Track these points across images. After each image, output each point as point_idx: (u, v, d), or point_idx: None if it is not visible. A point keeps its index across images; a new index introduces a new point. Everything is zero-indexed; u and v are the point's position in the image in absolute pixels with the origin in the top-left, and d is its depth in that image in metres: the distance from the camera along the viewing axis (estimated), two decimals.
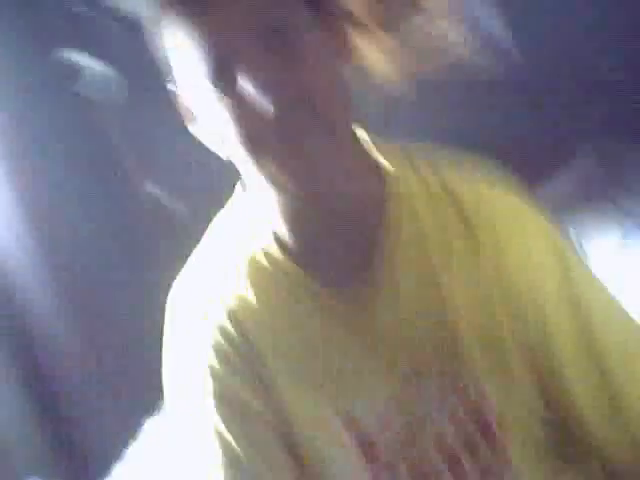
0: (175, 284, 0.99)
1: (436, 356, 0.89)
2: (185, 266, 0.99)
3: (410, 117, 2.06)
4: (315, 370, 0.91)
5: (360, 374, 0.90)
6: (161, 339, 0.99)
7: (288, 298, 0.92)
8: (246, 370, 0.91)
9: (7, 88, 2.13)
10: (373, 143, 0.94)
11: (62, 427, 2.08)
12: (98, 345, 2.14)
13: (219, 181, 0.99)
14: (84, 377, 2.11)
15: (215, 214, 1.02)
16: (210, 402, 0.91)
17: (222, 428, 0.90)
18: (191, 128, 0.91)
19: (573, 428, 0.90)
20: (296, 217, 0.90)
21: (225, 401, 0.91)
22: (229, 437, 0.89)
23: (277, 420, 0.91)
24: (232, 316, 0.92)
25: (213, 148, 0.90)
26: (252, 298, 0.92)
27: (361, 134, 0.94)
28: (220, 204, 1.01)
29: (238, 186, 0.98)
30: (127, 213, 2.31)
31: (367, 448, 0.90)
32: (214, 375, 0.91)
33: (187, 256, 1.00)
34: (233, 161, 0.88)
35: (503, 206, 0.91)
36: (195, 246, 1.01)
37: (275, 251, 0.92)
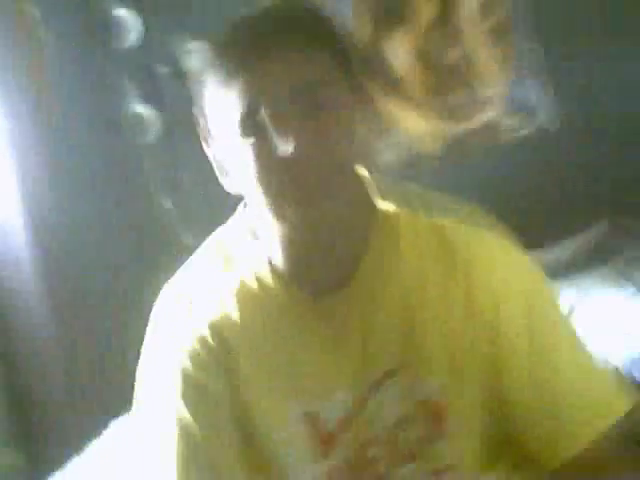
0: (163, 291, 1.06)
1: (400, 365, 0.98)
2: (175, 275, 1.06)
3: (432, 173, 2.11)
4: (288, 377, 1.00)
5: (330, 382, 0.99)
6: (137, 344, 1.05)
7: (273, 317, 1.00)
8: (219, 372, 0.99)
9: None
10: (375, 183, 1.03)
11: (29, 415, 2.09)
12: (75, 345, 2.15)
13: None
14: (57, 374, 2.12)
15: None
16: (177, 397, 0.98)
17: (187, 420, 0.97)
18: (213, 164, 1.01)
19: (508, 430, 1.01)
20: (291, 245, 0.98)
21: (192, 396, 0.98)
22: (193, 428, 0.97)
23: (242, 419, 0.99)
24: (214, 329, 1.00)
25: (225, 184, 1.00)
26: (237, 315, 1.00)
27: (364, 174, 1.03)
28: None
29: (240, 207, 1.06)
30: (129, 227, 2.34)
31: (326, 446, 0.99)
32: (185, 376, 0.99)
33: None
34: (249, 201, 0.98)
35: (482, 241, 1.00)
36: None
37: (266, 275, 1.01)
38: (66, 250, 2.13)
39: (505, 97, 2.16)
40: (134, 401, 1.04)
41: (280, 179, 0.90)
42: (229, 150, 0.95)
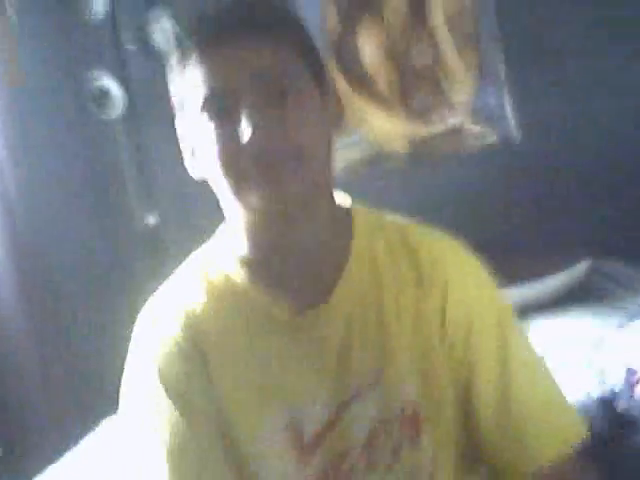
0: (148, 303, 1.10)
1: (375, 378, 1.02)
2: (158, 289, 1.11)
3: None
4: (266, 388, 1.02)
5: (308, 394, 1.02)
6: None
7: (244, 316, 1.04)
8: (194, 375, 1.02)
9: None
10: (352, 206, 1.09)
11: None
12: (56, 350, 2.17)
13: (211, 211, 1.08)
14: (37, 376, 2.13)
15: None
16: (164, 397, 1.01)
17: (175, 418, 1.00)
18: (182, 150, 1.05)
19: (473, 436, 1.06)
20: (261, 241, 1.02)
21: (179, 396, 1.01)
22: (182, 426, 0.99)
23: (218, 419, 1.01)
24: (193, 331, 1.03)
25: (192, 169, 1.04)
26: (209, 314, 1.04)
27: (342, 198, 1.09)
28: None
29: (220, 227, 1.10)
30: (113, 231, 2.36)
31: (304, 457, 1.02)
32: (169, 378, 1.02)
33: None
34: (214, 189, 1.01)
35: (453, 261, 1.07)
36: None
37: (237, 274, 1.04)
38: (31, 226, 2.14)
39: (470, 105, 2.21)
40: (119, 406, 1.07)
41: (243, 162, 0.93)
42: (195, 131, 0.99)
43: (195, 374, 1.02)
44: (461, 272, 1.06)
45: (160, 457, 0.99)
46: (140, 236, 2.30)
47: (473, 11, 2.20)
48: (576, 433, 1.06)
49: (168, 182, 2.22)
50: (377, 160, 2.28)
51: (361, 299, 1.03)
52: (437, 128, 2.23)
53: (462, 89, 2.21)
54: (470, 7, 2.19)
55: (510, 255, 1.95)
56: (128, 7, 2.28)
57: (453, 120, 2.22)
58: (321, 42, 2.24)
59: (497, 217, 2.15)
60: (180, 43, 0.99)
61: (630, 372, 1.39)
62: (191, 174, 1.05)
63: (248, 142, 0.92)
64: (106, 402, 1.31)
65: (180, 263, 1.13)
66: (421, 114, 2.22)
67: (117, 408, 1.08)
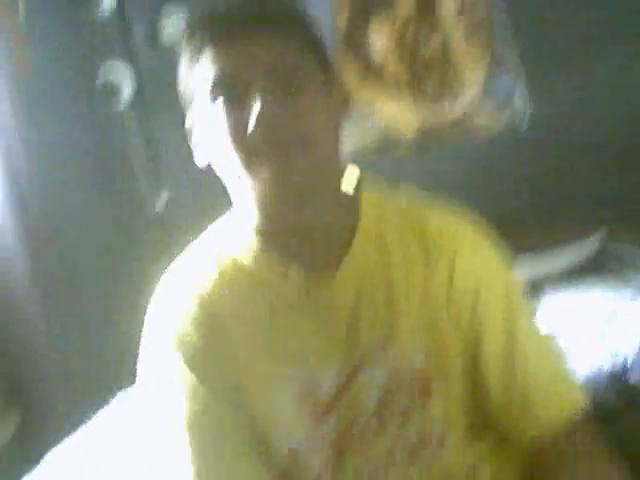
0: (165, 273, 1.13)
1: (386, 340, 1.05)
2: (177, 259, 1.14)
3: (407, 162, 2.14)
4: (276, 348, 1.06)
5: (318, 352, 1.05)
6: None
7: (257, 287, 1.07)
8: (210, 344, 1.05)
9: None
10: (361, 185, 1.12)
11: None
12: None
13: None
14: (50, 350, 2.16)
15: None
16: (182, 363, 1.04)
17: (193, 382, 1.03)
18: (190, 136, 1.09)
19: (481, 404, 1.09)
20: (268, 207, 1.03)
21: (196, 361, 1.04)
22: (200, 390, 1.02)
23: (235, 388, 1.04)
24: (207, 307, 1.07)
25: (199, 155, 1.07)
26: (222, 287, 1.07)
27: (351, 172, 1.11)
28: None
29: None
30: (124, 210, 2.38)
31: (319, 416, 1.05)
32: (187, 342, 1.05)
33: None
34: (220, 172, 1.04)
35: (462, 232, 1.10)
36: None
37: (249, 245, 1.08)
38: (44, 214, 2.17)
39: (480, 93, 2.22)
40: (136, 375, 1.10)
41: (252, 139, 0.97)
42: (203, 120, 1.03)
43: (211, 344, 1.05)
44: (469, 242, 1.10)
45: (179, 425, 1.02)
46: (150, 219, 2.32)
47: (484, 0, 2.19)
48: (578, 401, 1.09)
49: (177, 167, 2.23)
50: (386, 147, 2.29)
51: (369, 275, 1.07)
52: (447, 116, 2.23)
53: (472, 78, 2.21)
54: None
55: (523, 228, 1.95)
56: (140, 2, 2.30)
57: (463, 108, 2.22)
58: (332, 31, 2.26)
59: (508, 193, 2.16)
60: (191, 38, 1.02)
61: None
62: (197, 163, 1.08)
63: (257, 124, 0.96)
64: (122, 376, 1.33)
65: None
66: (431, 102, 2.22)
67: (133, 381, 1.11)
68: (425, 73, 2.22)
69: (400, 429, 1.06)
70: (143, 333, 1.10)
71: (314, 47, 1.03)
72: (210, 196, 1.27)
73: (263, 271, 1.07)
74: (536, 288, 1.83)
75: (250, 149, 0.98)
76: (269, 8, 1.02)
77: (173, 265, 1.13)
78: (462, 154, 2.24)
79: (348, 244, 1.07)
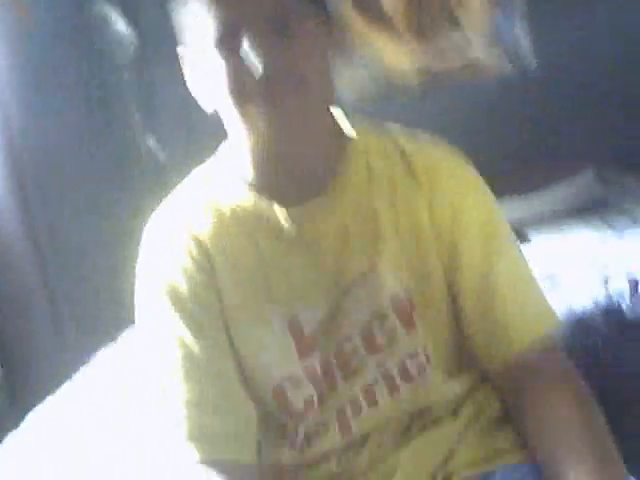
0: (153, 215, 1.14)
1: (370, 268, 1.08)
2: (164, 201, 1.15)
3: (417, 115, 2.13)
4: (268, 284, 1.08)
5: (304, 285, 1.08)
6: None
7: (246, 222, 1.09)
8: (207, 283, 1.07)
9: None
10: (346, 116, 1.14)
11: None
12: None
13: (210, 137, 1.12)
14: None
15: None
16: (173, 312, 1.06)
17: (184, 332, 1.05)
18: (189, 84, 1.09)
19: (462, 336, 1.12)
20: (263, 157, 1.06)
21: (187, 309, 1.06)
22: (191, 340, 1.04)
23: (222, 327, 1.07)
24: (197, 243, 1.08)
25: (202, 102, 1.08)
26: (217, 229, 1.09)
27: (336, 111, 1.13)
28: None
29: (222, 144, 1.14)
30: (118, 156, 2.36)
31: (307, 347, 1.07)
32: (178, 291, 1.06)
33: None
34: (219, 112, 1.05)
35: (445, 164, 1.12)
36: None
37: (242, 190, 1.09)
38: (43, 171, 2.15)
39: (486, 36, 2.19)
40: (134, 318, 1.11)
41: (248, 88, 0.98)
42: (202, 63, 1.03)
43: (199, 285, 1.07)
44: (451, 170, 1.12)
45: (165, 370, 1.05)
46: (143, 157, 2.30)
47: None
48: (551, 323, 1.12)
49: (170, 105, 2.21)
50: (389, 92, 2.25)
51: (356, 205, 1.09)
52: (452, 59, 2.20)
53: (480, 20, 2.17)
54: None
55: (516, 166, 1.94)
56: None
57: (468, 51, 2.19)
58: None
59: (509, 134, 2.14)
60: None
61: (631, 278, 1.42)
62: (203, 108, 1.08)
63: (253, 70, 0.97)
64: (119, 316, 1.33)
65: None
66: (439, 49, 2.19)
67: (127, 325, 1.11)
68: (435, 19, 2.18)
69: (383, 362, 1.09)
70: (137, 272, 1.11)
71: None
72: (204, 134, 1.26)
73: (250, 207, 1.08)
74: (527, 226, 1.84)
75: (245, 99, 0.99)
76: None
77: (163, 204, 1.14)
78: (465, 97, 2.21)
79: (336, 171, 1.09)
